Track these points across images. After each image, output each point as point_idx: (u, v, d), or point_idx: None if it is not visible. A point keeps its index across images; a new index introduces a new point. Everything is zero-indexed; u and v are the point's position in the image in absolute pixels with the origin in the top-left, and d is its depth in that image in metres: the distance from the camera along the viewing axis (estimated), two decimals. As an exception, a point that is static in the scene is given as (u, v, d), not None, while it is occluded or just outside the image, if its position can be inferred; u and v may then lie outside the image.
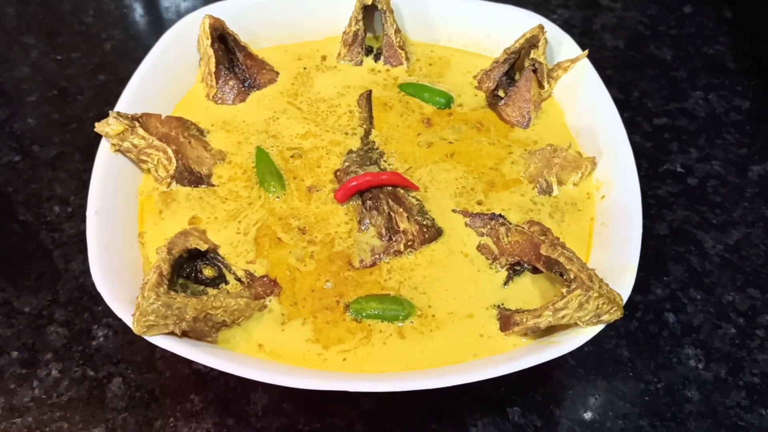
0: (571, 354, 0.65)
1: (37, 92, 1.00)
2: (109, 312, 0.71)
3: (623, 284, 0.60)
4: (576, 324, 0.59)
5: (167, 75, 0.78)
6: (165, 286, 0.57)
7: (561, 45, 0.82)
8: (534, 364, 0.57)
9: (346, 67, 0.85)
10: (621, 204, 0.68)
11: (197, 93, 0.81)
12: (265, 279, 0.66)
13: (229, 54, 0.81)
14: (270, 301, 0.64)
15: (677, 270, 0.84)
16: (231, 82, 0.80)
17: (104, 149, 0.70)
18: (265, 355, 0.61)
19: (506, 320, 0.63)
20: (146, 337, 0.57)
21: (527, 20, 0.82)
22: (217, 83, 0.80)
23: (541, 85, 0.81)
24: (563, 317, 0.58)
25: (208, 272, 0.65)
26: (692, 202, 0.91)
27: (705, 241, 0.86)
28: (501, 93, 0.82)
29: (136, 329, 0.56)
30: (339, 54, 0.85)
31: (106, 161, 0.69)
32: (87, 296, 0.80)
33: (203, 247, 0.64)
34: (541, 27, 0.79)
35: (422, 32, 0.87)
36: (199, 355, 0.57)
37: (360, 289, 0.65)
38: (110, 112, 0.70)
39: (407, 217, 0.68)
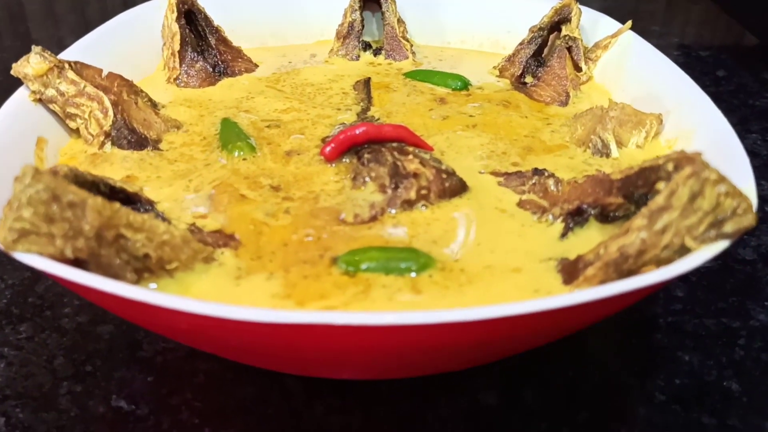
0: (660, 385, 0.48)
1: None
2: (6, 340, 0.52)
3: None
4: (682, 251, 0.38)
5: (119, 54, 0.64)
6: (57, 177, 0.37)
7: (597, 25, 0.68)
8: (630, 288, 0.36)
9: (340, 61, 0.70)
10: (711, 144, 0.50)
11: (155, 78, 0.66)
12: (218, 233, 0.45)
13: (199, 39, 0.67)
14: (222, 253, 0.44)
15: (779, 294, 0.63)
16: (198, 65, 0.65)
17: (19, 96, 0.53)
18: (208, 312, 0.39)
19: (572, 268, 0.42)
20: (16, 255, 0.36)
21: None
22: (180, 65, 0.65)
23: (577, 68, 0.66)
24: (665, 230, 0.37)
25: (135, 219, 0.44)
26: (776, 228, 0.72)
27: (803, 265, 0.66)
28: (528, 78, 0.66)
29: (0, 237, 0.36)
30: (332, 49, 0.71)
31: (19, 108, 0.52)
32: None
33: (132, 188, 0.45)
34: (572, -3, 0.65)
35: (430, 34, 0.74)
36: (99, 281, 0.35)
37: (354, 243, 0.45)
38: (33, 47, 0.54)
39: (420, 161, 0.49)
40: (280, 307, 0.40)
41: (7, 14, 1.22)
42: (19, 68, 0.53)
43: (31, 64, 0.53)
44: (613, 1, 1.32)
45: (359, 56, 0.70)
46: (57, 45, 1.05)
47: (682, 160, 0.37)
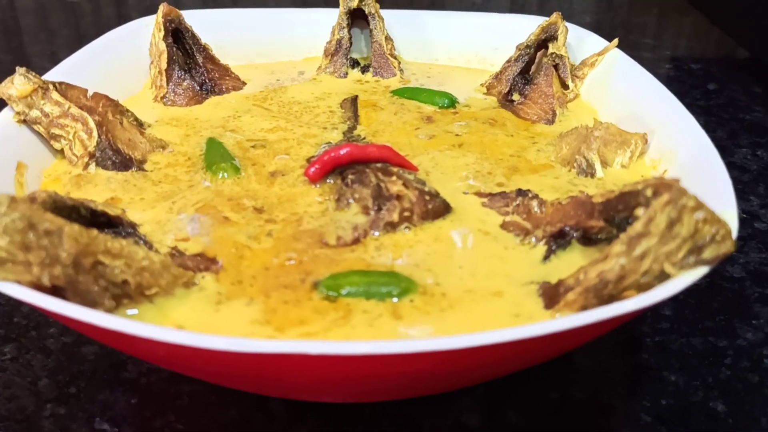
0: (646, 405, 0.48)
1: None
2: None
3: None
4: (662, 277, 0.38)
5: (106, 72, 0.64)
6: (36, 206, 0.37)
7: (583, 43, 0.68)
8: (608, 316, 0.36)
9: (328, 78, 0.70)
10: (694, 165, 0.50)
11: (142, 97, 0.66)
12: (200, 257, 0.45)
13: (187, 57, 0.67)
14: (203, 278, 0.43)
15: (767, 312, 0.63)
16: (185, 83, 0.65)
17: (4, 118, 0.53)
18: (187, 339, 0.39)
19: (553, 292, 0.42)
20: (-8, 283, 0.36)
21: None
22: (167, 84, 0.65)
23: (564, 85, 0.66)
24: (643, 256, 0.37)
25: (116, 243, 0.44)
26: (766, 244, 0.72)
27: (791, 282, 0.66)
28: (515, 96, 0.66)
29: (-26, 265, 0.36)
30: (320, 66, 0.71)
31: (3, 130, 0.52)
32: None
33: (113, 212, 0.45)
34: (558, 15, 0.65)
35: (418, 51, 0.74)
36: (75, 310, 0.35)
37: (336, 267, 0.45)
38: (17, 68, 0.54)
39: (403, 183, 0.49)
40: (258, 334, 0.40)
41: (1, 27, 1.22)
42: (3, 89, 0.53)
43: (15, 85, 0.53)
44: (605, 14, 1.33)
45: (347, 73, 0.70)
46: (50, 59, 1.06)
47: (660, 186, 0.37)
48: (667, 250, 0.37)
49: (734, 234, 0.39)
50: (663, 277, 0.39)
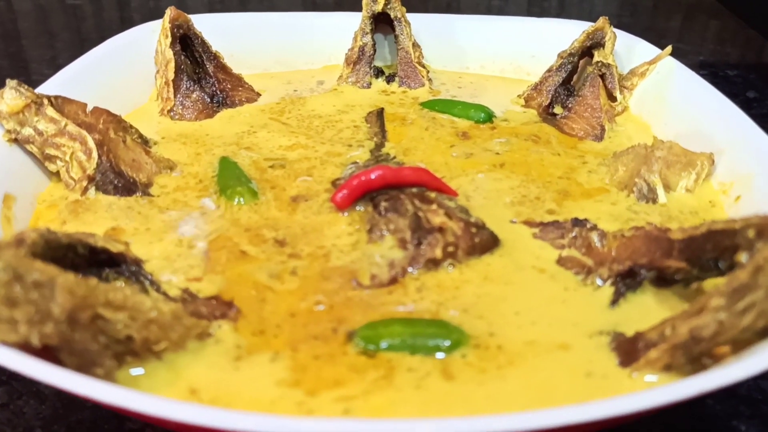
0: None
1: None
2: None
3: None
4: (763, 332, 0.32)
5: (109, 82, 0.58)
6: (21, 252, 0.31)
7: (632, 51, 0.62)
8: (704, 390, 0.30)
9: (350, 89, 0.64)
10: (775, 193, 0.44)
11: (147, 110, 0.60)
12: (214, 300, 0.39)
13: (196, 65, 0.61)
14: (219, 327, 0.37)
15: (841, 350, 0.57)
16: (194, 95, 0.59)
17: (-7, 136, 0.47)
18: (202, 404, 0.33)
19: (629, 347, 0.36)
20: (-29, 345, 0.30)
21: (581, 31, 0.63)
22: (175, 96, 0.58)
23: (612, 97, 0.59)
24: (745, 311, 0.31)
25: (120, 285, 0.38)
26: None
27: None
28: (558, 109, 0.60)
29: (-48, 324, 0.29)
30: (341, 76, 0.65)
31: (-9, 151, 0.46)
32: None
33: (115, 248, 0.39)
34: (606, 19, 0.59)
35: (448, 59, 0.68)
36: (70, 380, 0.29)
37: (373, 312, 0.39)
38: (8, 80, 0.48)
39: (445, 212, 0.43)
40: (287, 399, 0.33)
41: (0, 30, 1.16)
42: (-8, 104, 0.47)
43: (6, 100, 0.47)
44: (629, 18, 1.27)
45: (371, 83, 0.64)
46: (50, 65, 1.00)
47: (766, 227, 0.31)
48: (774, 304, 0.31)
49: None
50: (764, 332, 0.32)
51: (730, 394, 0.51)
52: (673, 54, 0.94)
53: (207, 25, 0.64)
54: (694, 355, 0.34)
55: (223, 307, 0.39)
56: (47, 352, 0.32)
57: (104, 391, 0.29)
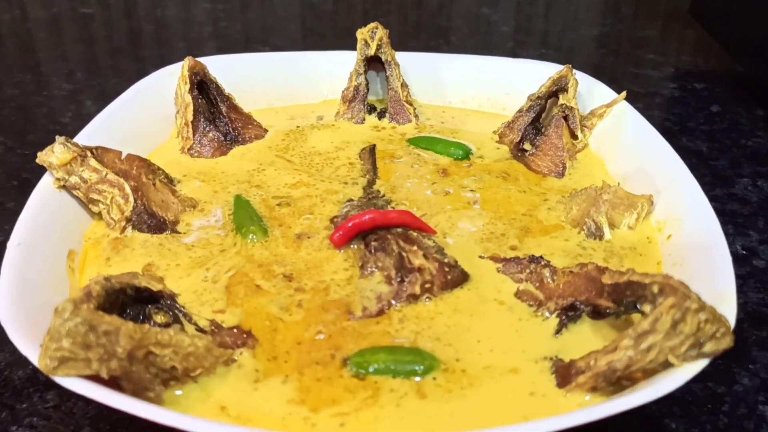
0: None
1: (-5, 184, 0.87)
2: (34, 410, 0.55)
3: (723, 314, 0.44)
4: (666, 365, 0.42)
5: (135, 124, 0.67)
6: (91, 305, 0.40)
7: (592, 93, 0.71)
8: (614, 412, 0.39)
9: (346, 124, 0.73)
10: (697, 237, 0.53)
11: (169, 147, 0.69)
12: (236, 330, 0.49)
13: (210, 106, 0.70)
14: (241, 354, 0.47)
15: (764, 357, 0.67)
16: (210, 135, 0.68)
17: (45, 183, 0.56)
18: (230, 419, 0.43)
19: (565, 372, 0.45)
20: (56, 379, 0.40)
21: (551, 72, 0.72)
22: (194, 135, 0.68)
23: (574, 136, 0.68)
24: (649, 349, 0.41)
25: (159, 318, 0.48)
26: (764, 284, 0.75)
27: (789, 324, 0.70)
28: (527, 146, 0.69)
29: (42, 364, 0.39)
30: (338, 112, 0.74)
31: (46, 196, 0.55)
32: (10, 392, 0.62)
33: (155, 287, 0.48)
34: (569, 68, 0.68)
35: (432, 94, 0.77)
36: (135, 406, 0.39)
37: (363, 340, 0.48)
38: (57, 137, 0.57)
39: (423, 254, 0.52)
40: (295, 414, 0.43)
41: (17, 43, 1.24)
42: (44, 157, 0.56)
43: (56, 153, 0.56)
44: (609, 27, 1.35)
45: (364, 119, 0.73)
46: (67, 79, 1.08)
47: (665, 287, 0.41)
48: (671, 344, 0.41)
49: (732, 326, 0.43)
50: (667, 364, 0.42)
51: (666, 396, 0.61)
52: (648, 65, 1.02)
53: (218, 65, 0.73)
54: (614, 381, 0.44)
55: (243, 337, 0.48)
56: (112, 381, 0.42)
57: (157, 414, 0.38)
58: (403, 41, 1.23)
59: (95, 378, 0.41)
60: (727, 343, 0.41)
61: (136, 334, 0.41)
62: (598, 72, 1.18)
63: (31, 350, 0.41)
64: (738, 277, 0.74)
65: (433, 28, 1.30)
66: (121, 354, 0.40)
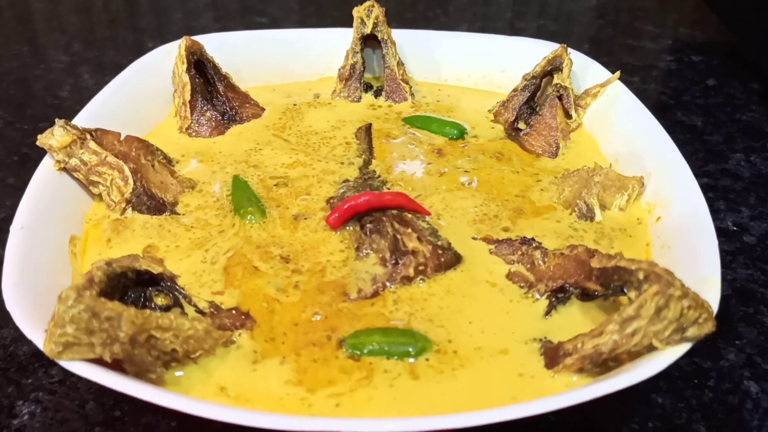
0: (635, 429, 0.52)
1: (-5, 158, 0.88)
2: (39, 385, 0.57)
3: (708, 299, 0.45)
4: (651, 348, 0.43)
5: (134, 105, 0.67)
6: (94, 291, 0.42)
7: (587, 72, 0.71)
8: (597, 395, 0.41)
9: (342, 103, 0.74)
10: (685, 221, 0.55)
11: (168, 126, 0.69)
12: (234, 311, 0.50)
13: (208, 85, 0.70)
14: (239, 335, 0.48)
15: (750, 332, 0.68)
16: (208, 114, 0.69)
17: (46, 166, 0.57)
18: (229, 400, 0.45)
19: (553, 353, 0.47)
20: (61, 363, 0.41)
21: (546, 50, 0.72)
22: (191, 114, 0.68)
23: (568, 115, 0.69)
24: (634, 333, 0.43)
25: (160, 300, 0.50)
26: (753, 260, 0.76)
27: (776, 301, 0.71)
28: (521, 125, 0.70)
29: (47, 348, 0.41)
30: (334, 90, 0.74)
31: (46, 179, 0.56)
32: (15, 367, 0.64)
33: (156, 270, 0.50)
34: (564, 47, 0.69)
35: (428, 71, 0.78)
36: (137, 388, 0.40)
37: (358, 322, 0.50)
38: (56, 120, 0.58)
39: (417, 237, 0.54)
40: (292, 395, 0.45)
41: (14, 13, 1.23)
42: (44, 140, 0.57)
43: (56, 136, 0.57)
44: (607, -1, 1.34)
45: (361, 97, 0.74)
46: (64, 50, 1.09)
47: (650, 274, 0.42)
48: (655, 329, 0.42)
49: (714, 311, 0.44)
50: (651, 347, 0.44)
51: (652, 372, 0.62)
52: (645, 37, 1.02)
53: (214, 43, 0.73)
54: (600, 363, 0.45)
55: (241, 318, 0.50)
56: (115, 364, 0.43)
57: (157, 396, 0.40)
58: (400, 11, 1.23)
59: (99, 361, 0.43)
60: (709, 328, 0.42)
61: (138, 319, 0.42)
62: (595, 44, 1.19)
63: (35, 334, 0.43)
64: (728, 253, 0.76)
65: (431, -2, 1.29)
66: (123, 338, 0.42)
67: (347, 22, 0.76)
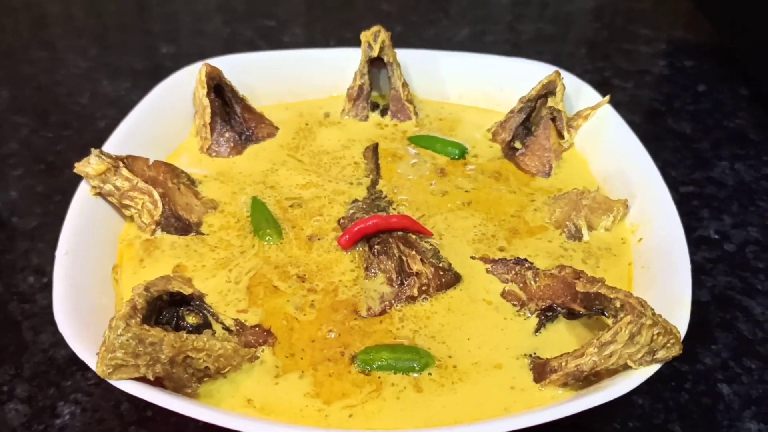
0: (616, 428, 0.58)
1: (23, 167, 0.94)
2: (78, 387, 0.63)
3: (678, 320, 0.51)
4: (626, 366, 0.49)
5: (159, 125, 0.73)
6: (138, 319, 0.48)
7: (579, 93, 0.76)
8: (578, 410, 0.47)
9: (351, 122, 0.79)
10: (662, 243, 0.60)
11: (190, 146, 0.75)
12: (258, 328, 0.56)
13: (226, 106, 0.76)
14: (263, 351, 0.55)
15: (726, 338, 0.74)
16: (227, 134, 0.74)
17: (83, 191, 0.63)
18: (255, 411, 0.51)
19: (541, 369, 0.53)
20: (112, 382, 0.48)
21: (542, 72, 0.77)
22: (212, 135, 0.74)
23: (560, 135, 0.75)
24: (611, 355, 0.49)
25: (191, 319, 0.55)
26: (733, 267, 0.82)
27: (753, 307, 0.77)
28: (518, 144, 0.76)
29: (99, 370, 0.47)
30: (343, 110, 0.80)
31: (84, 204, 0.62)
32: (55, 370, 0.70)
33: (187, 291, 0.56)
34: (557, 73, 0.74)
35: (431, 89, 0.83)
36: (176, 403, 0.47)
37: (368, 339, 0.56)
38: (92, 150, 0.63)
39: (421, 259, 0.59)
40: (311, 407, 0.51)
41: (29, 17, 1.28)
42: (81, 168, 0.63)
43: (92, 165, 0.62)
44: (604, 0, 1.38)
45: (368, 116, 0.79)
46: (82, 56, 1.14)
47: (626, 304, 0.48)
48: (629, 352, 0.48)
49: (683, 334, 0.50)
50: (626, 366, 0.50)
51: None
52: (640, 40, 1.06)
53: (229, 64, 0.78)
54: (581, 378, 0.51)
55: (264, 335, 0.56)
56: (156, 381, 0.49)
57: (198, 412, 0.46)
58: (402, 15, 1.27)
59: (142, 379, 0.49)
60: (676, 351, 0.48)
61: (177, 342, 0.48)
62: (592, 48, 1.23)
63: (87, 354, 0.49)
64: (708, 260, 0.82)
65: (433, 1, 1.33)
66: (164, 360, 0.48)
67: (351, 24, 0.81)
